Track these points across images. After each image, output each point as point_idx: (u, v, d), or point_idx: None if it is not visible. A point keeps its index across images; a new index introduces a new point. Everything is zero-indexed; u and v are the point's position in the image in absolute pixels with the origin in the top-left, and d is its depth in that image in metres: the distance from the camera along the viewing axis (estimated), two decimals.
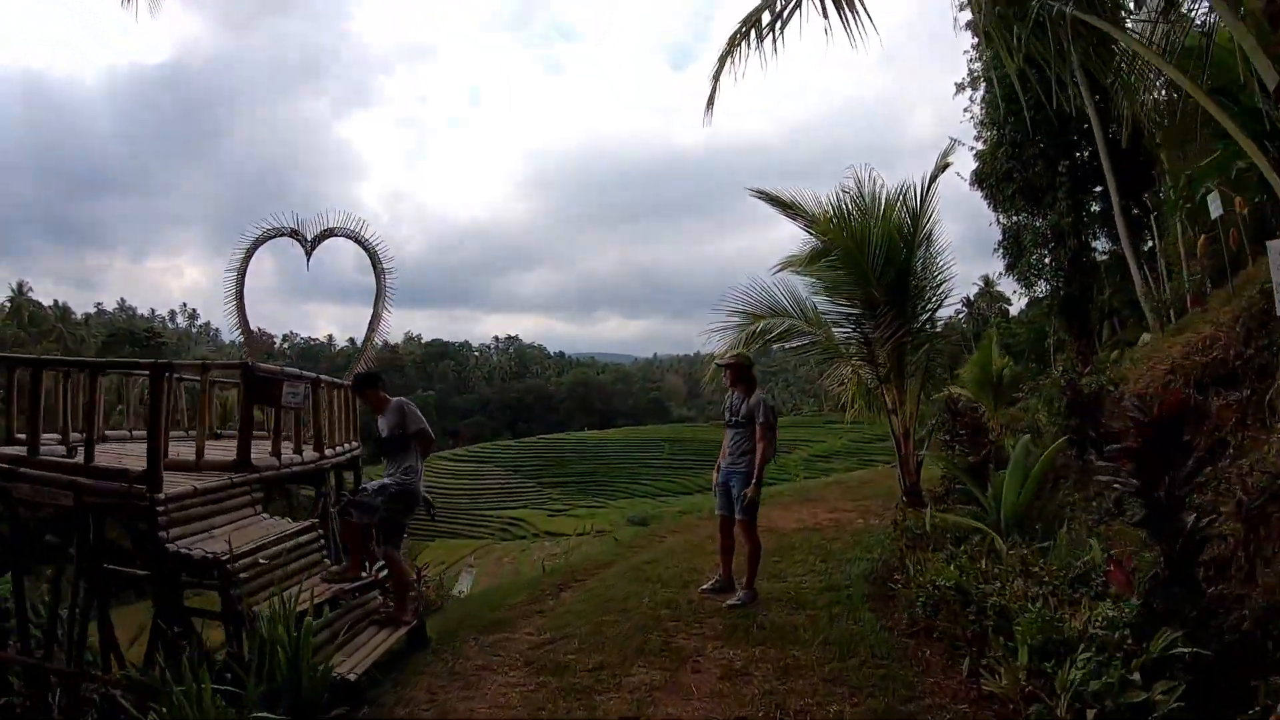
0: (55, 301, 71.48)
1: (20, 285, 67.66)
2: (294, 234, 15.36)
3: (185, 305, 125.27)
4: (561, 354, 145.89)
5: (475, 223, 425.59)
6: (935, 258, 8.99)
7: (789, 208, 9.12)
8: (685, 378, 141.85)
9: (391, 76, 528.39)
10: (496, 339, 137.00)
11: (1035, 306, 24.34)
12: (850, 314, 9.08)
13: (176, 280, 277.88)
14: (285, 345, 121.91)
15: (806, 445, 77.20)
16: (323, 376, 9.89)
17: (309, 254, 15.55)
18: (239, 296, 15.29)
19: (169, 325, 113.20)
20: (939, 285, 9.13)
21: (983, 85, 20.13)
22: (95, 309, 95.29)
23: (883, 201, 8.62)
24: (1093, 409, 7.27)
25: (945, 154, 9.11)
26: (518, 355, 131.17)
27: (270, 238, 15.36)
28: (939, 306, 9.36)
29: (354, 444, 11.45)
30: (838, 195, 8.65)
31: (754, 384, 6.57)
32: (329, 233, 15.40)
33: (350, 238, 15.46)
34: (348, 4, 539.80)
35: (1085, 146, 17.20)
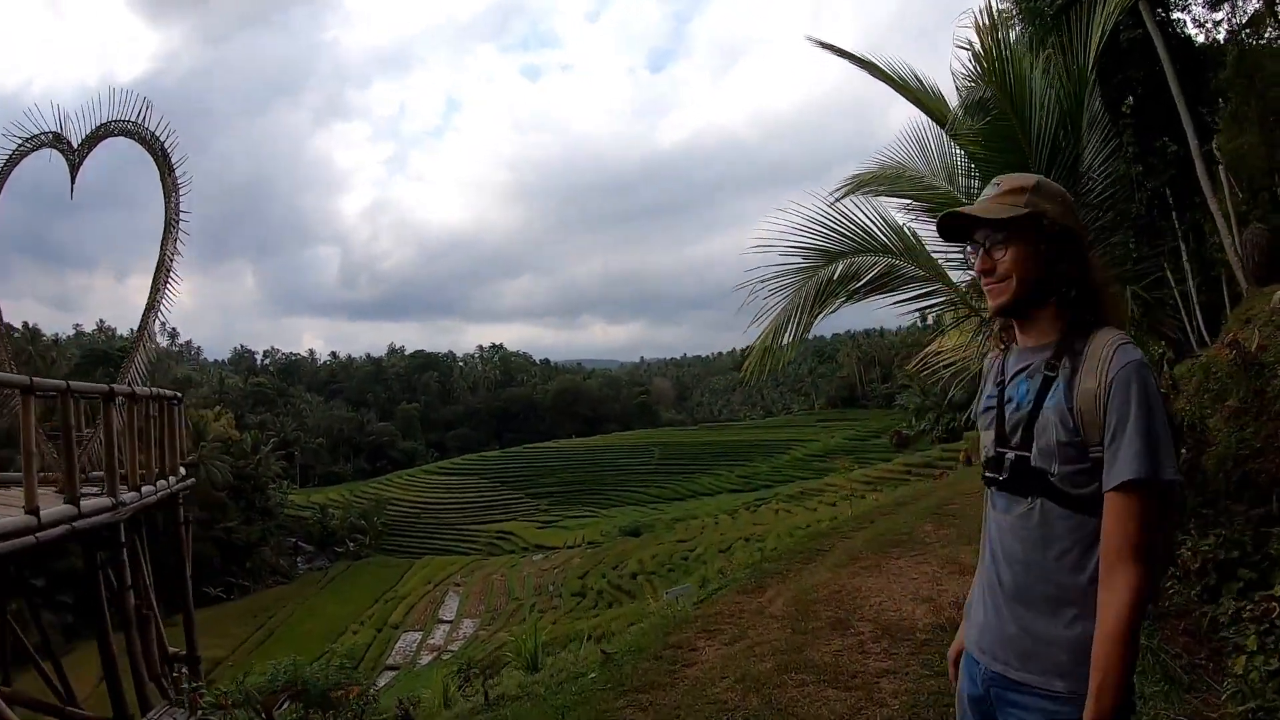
0: (25, 324, 69.15)
1: None
2: (57, 140, 11.63)
3: (165, 324, 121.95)
4: (547, 361, 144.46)
5: (457, 232, 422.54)
6: (1101, 157, 5.82)
7: (887, 76, 5.88)
8: (673, 381, 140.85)
9: (369, 87, 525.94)
10: (481, 348, 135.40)
11: None
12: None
13: None
14: (266, 361, 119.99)
15: (801, 445, 76.05)
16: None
17: (77, 166, 11.63)
18: None
19: (148, 344, 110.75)
20: (1105, 200, 5.95)
21: (1016, 24, 18.39)
22: (74, 330, 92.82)
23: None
24: None
25: None
26: (503, 364, 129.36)
27: (27, 153, 11.70)
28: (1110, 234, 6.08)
29: (125, 495, 7.21)
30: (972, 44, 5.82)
31: (1101, 308, 1.66)
32: (103, 131, 11.54)
33: (130, 135, 11.51)
34: (324, 16, 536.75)
35: (1138, 88, 15.41)
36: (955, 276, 5.86)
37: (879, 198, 5.94)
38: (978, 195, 5.62)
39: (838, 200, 5.82)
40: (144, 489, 7.55)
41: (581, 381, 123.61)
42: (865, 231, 5.76)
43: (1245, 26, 12.92)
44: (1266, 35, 11.14)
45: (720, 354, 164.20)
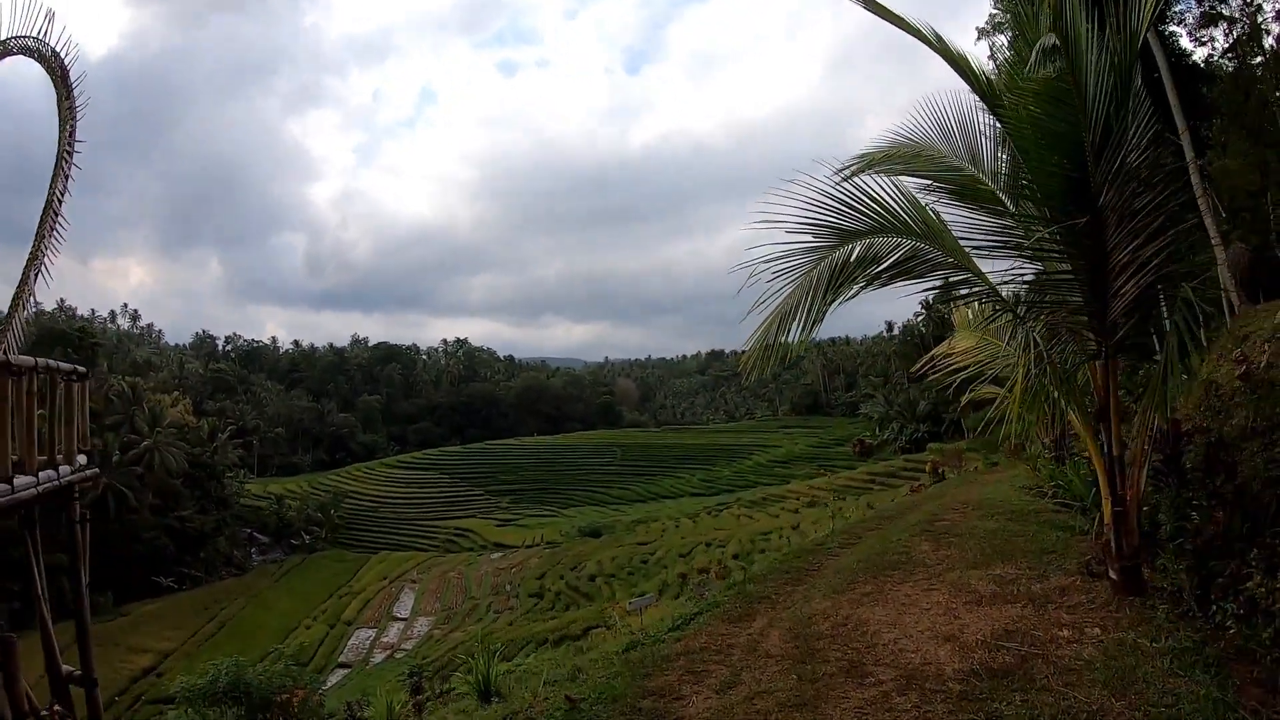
0: None
1: None
2: None
3: (126, 306, 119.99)
4: (511, 358, 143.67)
5: (425, 225, 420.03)
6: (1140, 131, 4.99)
7: (924, 36, 5.26)
8: (637, 383, 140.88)
9: (345, 75, 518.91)
10: (445, 342, 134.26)
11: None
12: (1031, 222, 5.13)
13: (123, 282, 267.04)
14: (228, 347, 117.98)
15: (764, 450, 76.51)
16: None
17: None
18: None
19: (109, 326, 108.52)
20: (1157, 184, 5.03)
21: (1009, 30, 18.21)
22: (35, 309, 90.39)
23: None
24: None
25: None
26: (466, 359, 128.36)
27: None
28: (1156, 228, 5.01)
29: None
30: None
31: None
32: (1, 50, 10.09)
33: (29, 53, 10.13)
34: (301, 0, 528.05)
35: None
36: (985, 265, 5.34)
37: (896, 178, 5.36)
38: (1007, 174, 5.21)
39: (847, 178, 5.15)
40: (18, 481, 6.08)
41: (545, 379, 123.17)
42: (885, 209, 5.09)
43: (1229, 50, 13.15)
44: (1257, 59, 11.32)
45: (684, 356, 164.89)
